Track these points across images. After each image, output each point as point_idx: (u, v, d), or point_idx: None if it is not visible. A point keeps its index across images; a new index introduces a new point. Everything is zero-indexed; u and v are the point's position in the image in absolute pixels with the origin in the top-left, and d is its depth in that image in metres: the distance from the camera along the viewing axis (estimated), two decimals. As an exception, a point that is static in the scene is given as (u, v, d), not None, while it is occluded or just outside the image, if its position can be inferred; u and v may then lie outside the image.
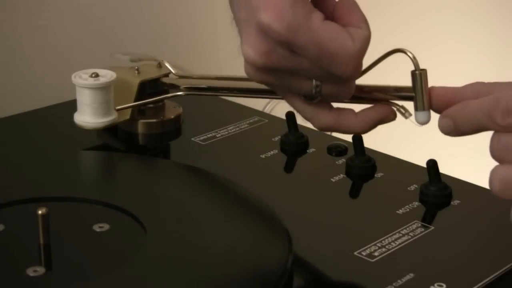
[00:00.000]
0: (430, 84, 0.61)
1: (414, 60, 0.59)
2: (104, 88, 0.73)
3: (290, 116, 0.75)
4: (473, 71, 1.39)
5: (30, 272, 0.54)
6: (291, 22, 0.54)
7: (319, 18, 0.55)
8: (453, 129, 0.57)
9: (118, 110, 0.74)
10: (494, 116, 0.53)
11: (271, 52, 0.56)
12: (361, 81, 0.64)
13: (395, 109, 0.62)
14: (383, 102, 0.63)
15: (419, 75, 0.60)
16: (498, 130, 0.53)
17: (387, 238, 0.61)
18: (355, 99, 0.65)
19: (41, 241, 0.56)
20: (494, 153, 0.54)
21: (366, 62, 0.63)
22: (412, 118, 0.60)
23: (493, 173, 0.54)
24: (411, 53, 0.60)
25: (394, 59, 0.63)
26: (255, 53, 0.56)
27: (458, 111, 0.57)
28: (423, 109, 0.60)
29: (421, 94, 0.59)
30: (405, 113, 0.62)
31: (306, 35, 0.55)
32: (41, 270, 0.54)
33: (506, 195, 0.53)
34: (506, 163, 0.53)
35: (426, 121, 0.59)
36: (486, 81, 0.58)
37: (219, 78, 0.72)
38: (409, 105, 0.61)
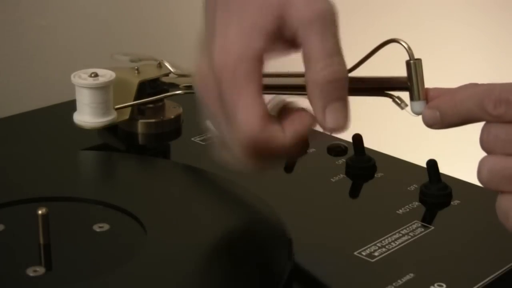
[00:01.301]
0: (430, 86, 0.61)
1: (408, 50, 0.60)
2: (103, 88, 0.73)
3: (290, 116, 0.75)
4: (472, 72, 1.39)
5: (30, 272, 0.54)
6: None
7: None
8: (438, 120, 0.57)
9: (117, 109, 0.74)
10: (485, 105, 0.53)
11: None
12: (357, 72, 0.64)
13: (391, 100, 0.62)
14: (378, 93, 0.63)
15: (413, 64, 0.60)
16: (489, 120, 0.53)
17: (387, 238, 0.61)
18: (351, 92, 0.65)
19: (41, 241, 0.56)
20: (484, 144, 0.54)
21: (362, 56, 0.63)
22: (408, 108, 0.60)
23: (481, 163, 0.54)
24: (405, 42, 0.60)
25: (389, 51, 0.63)
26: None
27: (445, 101, 0.57)
28: (419, 99, 0.60)
29: (416, 84, 0.60)
30: (401, 104, 0.62)
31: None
32: (41, 270, 0.54)
33: (492, 185, 0.54)
34: (495, 154, 0.53)
35: (421, 111, 0.59)
36: (483, 82, 0.58)
37: None
38: (405, 96, 0.61)
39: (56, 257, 0.56)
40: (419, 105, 0.59)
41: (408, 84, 0.60)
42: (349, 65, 0.64)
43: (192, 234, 0.59)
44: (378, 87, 0.63)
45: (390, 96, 0.63)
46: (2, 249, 0.57)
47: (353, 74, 0.65)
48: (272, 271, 0.54)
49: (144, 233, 0.58)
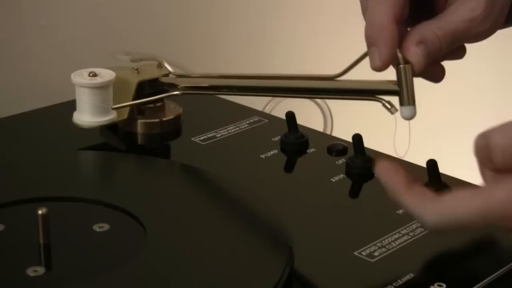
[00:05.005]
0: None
1: (399, 54, 0.59)
2: (103, 88, 0.73)
3: (290, 116, 0.75)
4: (474, 76, 1.39)
5: (30, 272, 0.54)
6: None
7: None
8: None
9: (114, 109, 0.74)
10: (495, 226, 0.48)
11: None
12: (347, 76, 0.64)
13: (381, 104, 0.62)
14: (368, 97, 0.63)
15: (403, 69, 0.59)
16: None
17: (387, 238, 0.61)
18: (340, 94, 0.64)
19: (41, 241, 0.56)
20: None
21: (353, 59, 0.62)
22: (398, 113, 0.60)
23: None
24: None
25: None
26: None
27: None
28: (408, 104, 0.60)
29: (406, 89, 0.59)
30: (391, 109, 0.61)
31: None
32: (41, 270, 0.54)
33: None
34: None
35: (411, 116, 0.59)
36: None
37: (218, 77, 0.72)
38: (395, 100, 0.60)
39: (56, 257, 0.56)
40: (409, 110, 0.59)
41: (398, 88, 0.60)
42: (340, 68, 0.64)
43: (192, 234, 0.59)
44: (368, 90, 0.63)
45: (380, 101, 0.62)
46: (2, 249, 0.57)
47: (343, 78, 0.64)
48: (272, 271, 0.54)
49: (144, 233, 0.58)
